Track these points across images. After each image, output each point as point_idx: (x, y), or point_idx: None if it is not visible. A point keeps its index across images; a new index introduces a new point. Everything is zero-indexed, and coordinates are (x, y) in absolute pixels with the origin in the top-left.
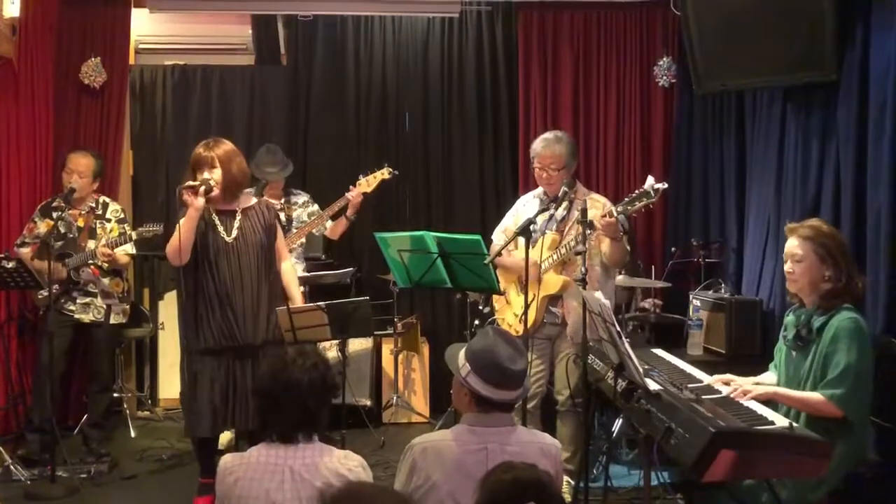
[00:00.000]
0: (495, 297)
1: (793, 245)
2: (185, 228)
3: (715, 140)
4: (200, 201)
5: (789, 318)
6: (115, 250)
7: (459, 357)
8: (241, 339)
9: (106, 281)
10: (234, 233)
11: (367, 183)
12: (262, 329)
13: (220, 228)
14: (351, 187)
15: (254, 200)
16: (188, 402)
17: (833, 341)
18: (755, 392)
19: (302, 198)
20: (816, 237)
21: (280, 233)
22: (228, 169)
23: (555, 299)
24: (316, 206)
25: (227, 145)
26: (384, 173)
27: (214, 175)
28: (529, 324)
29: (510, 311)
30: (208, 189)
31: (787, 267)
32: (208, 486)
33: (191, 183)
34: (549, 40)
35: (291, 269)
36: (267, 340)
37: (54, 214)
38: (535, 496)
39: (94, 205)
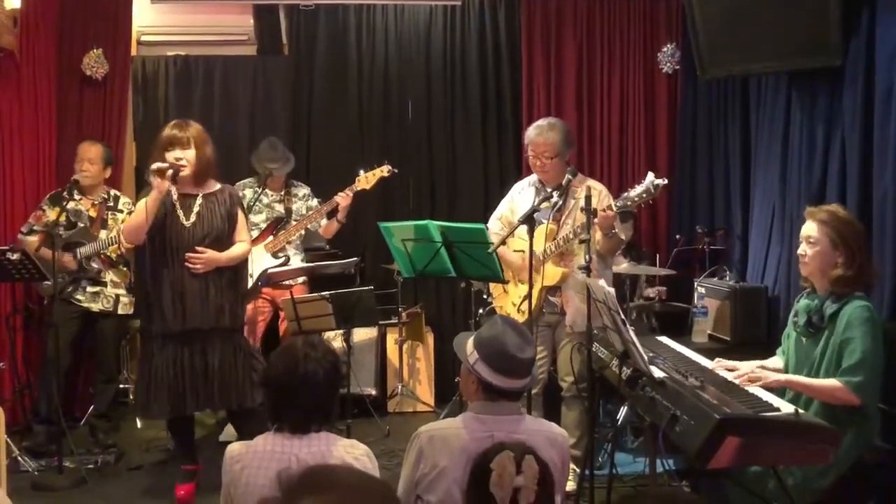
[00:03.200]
0: (493, 284)
1: (809, 228)
2: (149, 210)
3: (719, 126)
4: (166, 185)
5: (801, 304)
6: None
7: (468, 345)
8: (190, 323)
9: (113, 272)
10: (193, 217)
11: (367, 180)
12: (211, 315)
13: (180, 212)
14: (341, 193)
15: (217, 186)
16: (142, 384)
17: (847, 329)
18: (768, 379)
19: (302, 190)
20: (832, 222)
21: (241, 220)
22: (203, 151)
23: (553, 289)
24: (316, 201)
25: (198, 127)
26: (383, 171)
27: (187, 154)
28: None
29: (508, 301)
30: (176, 172)
31: (801, 249)
32: (189, 473)
33: (160, 165)
34: (552, 28)
35: (238, 247)
36: (216, 327)
37: (64, 203)
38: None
39: (106, 196)
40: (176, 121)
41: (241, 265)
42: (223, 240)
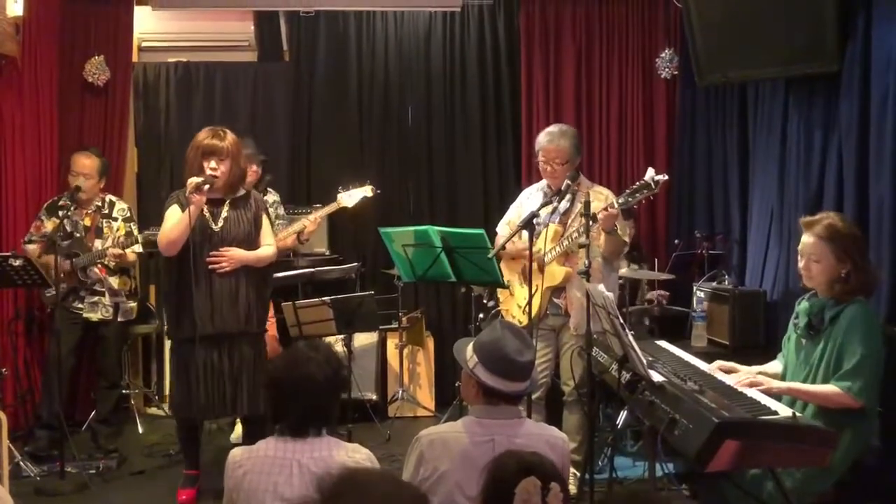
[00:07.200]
0: (499, 289)
1: (809, 243)
2: (184, 223)
3: (717, 132)
4: (204, 199)
5: (801, 306)
6: (125, 250)
7: (468, 349)
8: (219, 326)
9: (113, 280)
10: (221, 222)
11: (350, 197)
12: (240, 317)
13: (209, 217)
14: (310, 216)
15: (242, 191)
16: (180, 385)
17: (848, 332)
18: (768, 385)
19: (272, 197)
20: (833, 237)
21: (266, 224)
22: (237, 163)
23: (558, 290)
24: (282, 210)
25: (233, 136)
26: (367, 191)
27: (222, 167)
28: (533, 314)
29: (514, 303)
30: (211, 185)
31: (802, 264)
32: (191, 477)
33: (197, 181)
34: (550, 33)
35: (264, 249)
36: (245, 331)
37: (60, 213)
38: (538, 475)
39: (100, 204)
40: (212, 128)
41: (269, 270)
42: (251, 243)
